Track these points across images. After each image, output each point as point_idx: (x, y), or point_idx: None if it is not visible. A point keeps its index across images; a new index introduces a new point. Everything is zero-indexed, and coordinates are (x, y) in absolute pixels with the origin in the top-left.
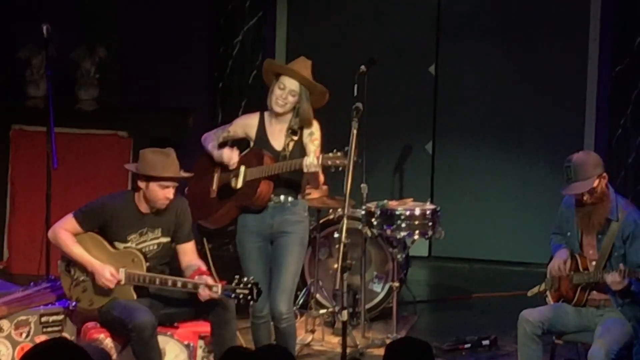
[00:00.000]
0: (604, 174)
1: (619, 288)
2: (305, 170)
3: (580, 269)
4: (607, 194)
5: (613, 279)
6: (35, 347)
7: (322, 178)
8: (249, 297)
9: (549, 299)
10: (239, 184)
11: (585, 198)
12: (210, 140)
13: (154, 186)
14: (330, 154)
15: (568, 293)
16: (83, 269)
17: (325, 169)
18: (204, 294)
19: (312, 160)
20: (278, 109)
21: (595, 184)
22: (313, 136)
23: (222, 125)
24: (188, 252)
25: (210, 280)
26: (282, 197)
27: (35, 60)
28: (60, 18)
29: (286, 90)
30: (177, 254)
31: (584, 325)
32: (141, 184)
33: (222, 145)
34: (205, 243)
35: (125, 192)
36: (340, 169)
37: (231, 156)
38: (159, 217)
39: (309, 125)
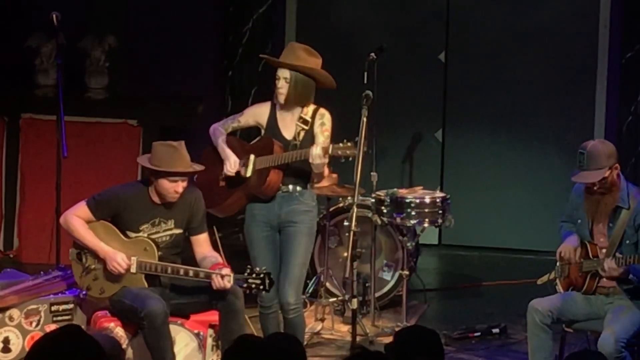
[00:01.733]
0: (616, 165)
1: (615, 275)
2: (310, 160)
3: (590, 257)
4: (617, 184)
5: (610, 265)
6: (47, 336)
7: (326, 171)
8: (261, 286)
9: (559, 287)
10: (248, 173)
11: (595, 187)
12: (220, 134)
13: (163, 180)
14: (341, 144)
15: (577, 281)
16: (94, 257)
17: (333, 159)
18: (217, 282)
19: (317, 151)
20: (279, 100)
21: (606, 175)
22: (324, 127)
23: (230, 116)
24: (202, 244)
25: (224, 271)
26: (290, 187)
27: (45, 49)
28: (69, 6)
29: (280, 80)
30: (191, 246)
31: (594, 313)
32: (151, 178)
33: (231, 135)
34: (215, 232)
35: (138, 182)
36: (350, 159)
37: (232, 166)
38: (172, 209)
39: (303, 106)
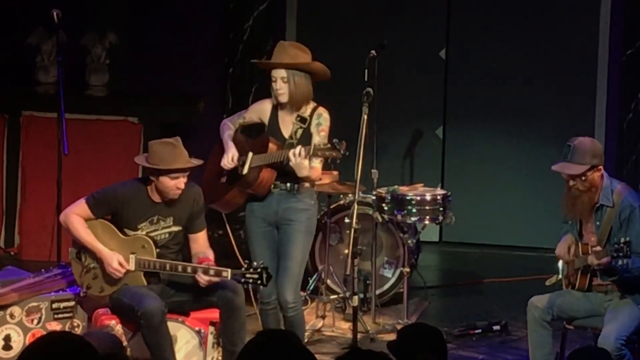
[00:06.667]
0: (600, 167)
1: (599, 268)
2: (292, 162)
3: (581, 255)
4: (598, 185)
5: (591, 260)
6: (35, 343)
7: (315, 173)
8: (259, 281)
9: (564, 287)
10: (245, 170)
11: (571, 183)
12: (227, 129)
13: (164, 178)
14: (321, 145)
15: (572, 278)
16: (93, 256)
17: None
18: (200, 278)
19: (293, 153)
20: (281, 100)
21: (587, 172)
22: (320, 127)
23: (239, 112)
24: (199, 240)
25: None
26: (288, 185)
27: (46, 46)
28: (70, 3)
29: (277, 81)
30: (188, 242)
31: (594, 311)
32: (152, 177)
33: (238, 131)
34: (227, 227)
35: (138, 180)
36: (329, 160)
37: (229, 160)
38: (172, 206)
39: (302, 106)
